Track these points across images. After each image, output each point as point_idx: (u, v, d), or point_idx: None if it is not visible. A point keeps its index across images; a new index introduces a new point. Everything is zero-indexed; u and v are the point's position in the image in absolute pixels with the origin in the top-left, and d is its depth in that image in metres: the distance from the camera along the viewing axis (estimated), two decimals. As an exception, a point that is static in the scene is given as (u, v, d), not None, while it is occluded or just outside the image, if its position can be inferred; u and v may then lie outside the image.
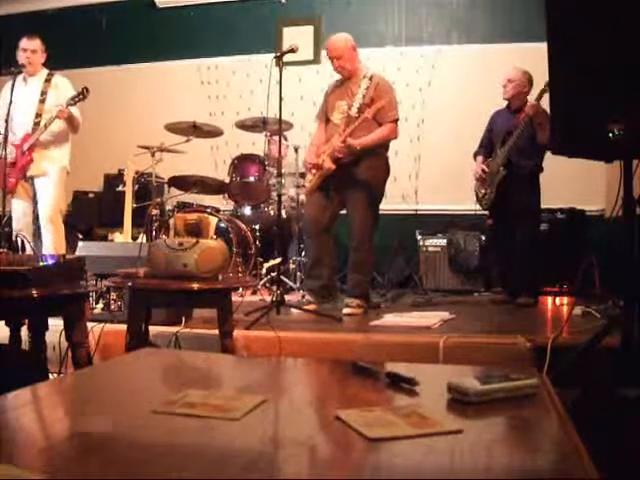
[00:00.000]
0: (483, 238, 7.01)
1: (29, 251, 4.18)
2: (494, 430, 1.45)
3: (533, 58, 5.25)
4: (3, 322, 3.38)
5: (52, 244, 5.67)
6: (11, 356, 2.65)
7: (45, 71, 5.99)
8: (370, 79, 5.34)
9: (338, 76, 5.56)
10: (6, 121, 5.71)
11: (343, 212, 5.49)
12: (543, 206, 6.02)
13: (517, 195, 5.73)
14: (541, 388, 1.66)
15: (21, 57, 5.86)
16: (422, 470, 1.16)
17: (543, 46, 3.05)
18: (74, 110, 5.82)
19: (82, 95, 5.67)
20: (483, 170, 5.93)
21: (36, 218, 5.89)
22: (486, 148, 6.09)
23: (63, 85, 5.90)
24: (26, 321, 3.55)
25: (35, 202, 5.88)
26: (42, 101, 5.82)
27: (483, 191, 5.96)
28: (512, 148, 5.74)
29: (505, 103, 6.02)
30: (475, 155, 6.15)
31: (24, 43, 5.88)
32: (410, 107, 7.74)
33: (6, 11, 9.20)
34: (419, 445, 1.26)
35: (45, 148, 5.86)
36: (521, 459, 1.26)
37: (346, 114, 5.30)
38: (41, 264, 3.16)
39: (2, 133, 5.73)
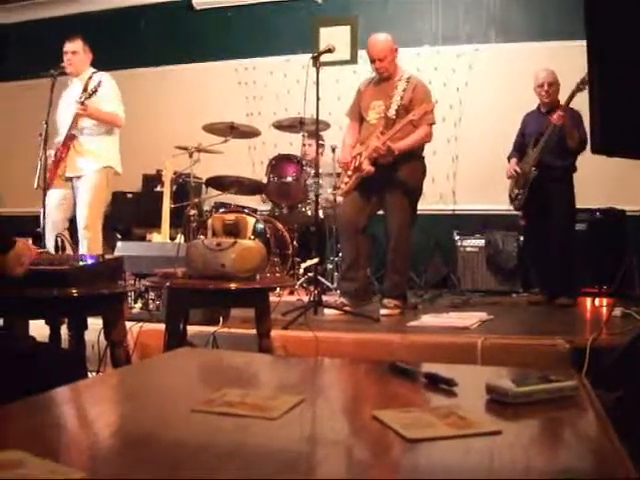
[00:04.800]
0: (521, 238, 6.96)
1: (69, 251, 4.22)
2: (533, 431, 1.44)
3: (570, 56, 5.21)
4: (43, 321, 3.41)
5: (87, 251, 5.59)
6: (51, 355, 2.67)
7: (90, 70, 5.97)
8: (408, 81, 5.31)
9: (373, 73, 5.54)
10: (46, 122, 5.75)
11: (380, 212, 5.48)
12: (581, 206, 5.97)
13: (550, 195, 5.70)
14: (580, 390, 1.64)
15: (64, 59, 5.90)
16: (461, 471, 1.15)
17: (581, 44, 3.02)
18: (108, 104, 5.81)
19: (94, 89, 5.64)
20: (515, 171, 5.90)
21: (73, 219, 5.87)
22: (519, 151, 6.06)
23: (103, 83, 5.84)
24: (66, 320, 3.59)
25: (74, 204, 5.88)
26: (80, 98, 5.80)
27: (516, 191, 5.93)
28: (544, 149, 5.71)
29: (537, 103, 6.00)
30: (509, 158, 6.12)
31: (65, 46, 5.92)
32: (447, 107, 7.71)
33: (51, 14, 9.31)
34: (457, 446, 1.25)
35: (80, 146, 5.83)
36: (560, 460, 1.26)
37: (383, 114, 5.28)
38: (81, 264, 3.19)
39: (42, 135, 5.77)
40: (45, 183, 5.70)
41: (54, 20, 9.20)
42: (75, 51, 5.91)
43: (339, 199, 6.40)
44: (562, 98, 5.68)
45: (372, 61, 5.41)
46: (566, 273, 5.74)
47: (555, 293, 5.82)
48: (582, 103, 4.41)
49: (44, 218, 5.77)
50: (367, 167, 5.22)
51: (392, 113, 5.24)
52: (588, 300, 6.11)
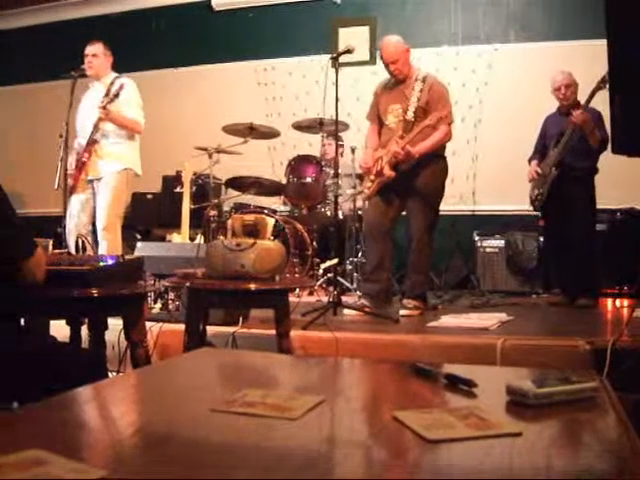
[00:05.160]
0: (541, 239, 6.92)
1: (89, 252, 4.24)
2: (553, 433, 1.43)
3: (590, 55, 5.19)
4: (64, 321, 3.43)
5: (107, 252, 5.60)
6: (71, 355, 2.69)
7: (112, 75, 6.01)
8: (423, 81, 5.29)
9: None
10: (66, 123, 5.79)
11: (402, 213, 5.48)
12: (602, 206, 5.94)
13: (571, 196, 5.68)
14: (601, 391, 1.64)
15: (84, 61, 5.94)
16: (481, 472, 1.15)
17: (601, 43, 3.00)
18: (128, 110, 5.85)
19: (116, 94, 5.68)
20: (536, 172, 5.88)
21: (94, 222, 5.90)
22: (540, 153, 6.04)
23: (125, 87, 5.87)
24: (86, 320, 3.60)
25: (95, 206, 5.90)
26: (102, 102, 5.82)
27: (536, 192, 5.92)
28: (564, 149, 5.68)
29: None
30: (530, 160, 6.10)
31: (86, 48, 5.96)
32: (467, 107, 7.69)
33: (71, 15, 9.36)
34: (477, 447, 1.25)
35: (101, 150, 5.86)
36: (580, 462, 1.25)
37: (402, 118, 5.27)
38: (101, 264, 3.20)
39: (62, 136, 5.80)
40: (66, 184, 5.73)
41: (74, 22, 9.26)
42: (95, 54, 5.95)
43: (358, 200, 6.41)
44: (582, 97, 5.65)
45: (386, 65, 5.40)
46: (587, 274, 5.71)
47: (576, 294, 5.79)
48: (603, 103, 4.39)
49: (65, 220, 5.80)
50: (388, 172, 5.21)
51: (410, 116, 5.23)
52: (609, 301, 6.08)
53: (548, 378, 1.61)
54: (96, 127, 5.79)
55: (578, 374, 1.71)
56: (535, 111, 6.33)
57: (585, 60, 5.87)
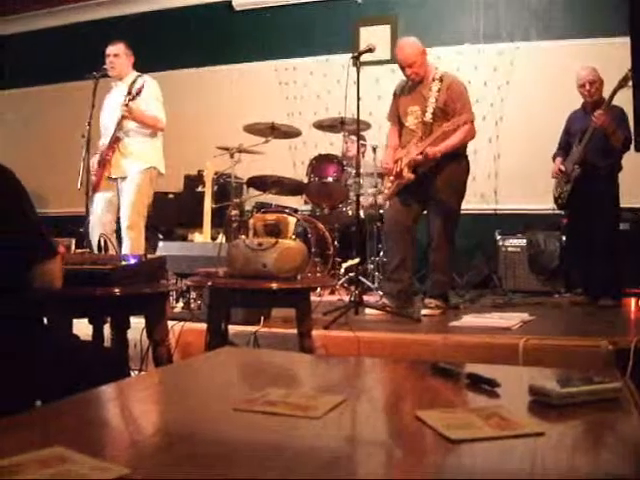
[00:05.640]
0: (563, 238, 6.88)
1: (112, 251, 4.26)
2: (576, 433, 1.43)
3: (613, 53, 5.15)
4: (86, 320, 3.45)
5: (130, 251, 5.60)
6: (94, 353, 2.70)
7: (134, 74, 6.03)
8: (441, 80, 5.25)
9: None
10: (89, 124, 5.82)
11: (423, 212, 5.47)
12: (626, 205, 5.90)
13: (594, 194, 5.64)
14: (624, 392, 1.63)
15: (106, 62, 5.97)
16: (503, 472, 1.15)
17: (624, 40, 2.98)
18: (149, 108, 5.86)
19: (138, 92, 5.70)
20: (560, 169, 5.85)
21: (118, 219, 5.92)
22: (564, 150, 6.00)
23: (146, 85, 5.86)
24: (108, 319, 3.62)
25: (119, 205, 5.93)
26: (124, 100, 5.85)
27: (559, 190, 5.89)
28: (587, 147, 5.65)
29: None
30: (554, 157, 6.07)
31: (107, 49, 5.99)
32: (488, 106, 7.65)
33: (92, 17, 9.42)
34: (500, 447, 1.25)
35: (124, 148, 5.88)
36: (603, 462, 1.24)
37: (421, 119, 5.25)
38: (123, 263, 3.22)
39: (85, 136, 5.83)
40: (88, 185, 5.76)
41: (96, 23, 9.29)
42: (117, 54, 5.98)
43: (380, 200, 6.40)
44: (606, 95, 5.61)
45: (402, 68, 5.37)
46: (610, 273, 5.67)
47: (598, 293, 5.75)
48: (628, 101, 4.36)
49: (87, 219, 5.83)
50: (407, 175, 5.20)
51: (429, 117, 5.20)
52: (632, 301, 6.03)
53: (571, 378, 1.61)
54: (119, 125, 5.81)
55: (601, 374, 1.70)
56: (557, 109, 6.30)
57: (608, 58, 5.83)
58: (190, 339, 4.25)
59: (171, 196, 8.18)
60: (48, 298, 2.52)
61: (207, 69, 8.98)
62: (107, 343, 3.58)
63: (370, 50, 5.17)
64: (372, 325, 4.68)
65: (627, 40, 2.92)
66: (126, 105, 5.71)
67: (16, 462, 1.09)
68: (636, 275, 6.20)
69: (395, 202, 5.43)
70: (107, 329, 3.62)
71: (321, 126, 7.10)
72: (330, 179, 6.75)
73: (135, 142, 5.92)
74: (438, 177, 5.22)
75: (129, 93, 5.77)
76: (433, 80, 5.26)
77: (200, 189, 6.94)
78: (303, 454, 1.24)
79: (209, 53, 8.92)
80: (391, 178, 5.34)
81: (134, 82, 5.87)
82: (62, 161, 8.18)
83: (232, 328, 4.10)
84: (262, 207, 6.82)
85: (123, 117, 5.76)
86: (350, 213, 6.79)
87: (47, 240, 2.50)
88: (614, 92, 5.41)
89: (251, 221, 3.96)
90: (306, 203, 7.34)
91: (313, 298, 3.99)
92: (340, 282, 6.22)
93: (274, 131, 6.69)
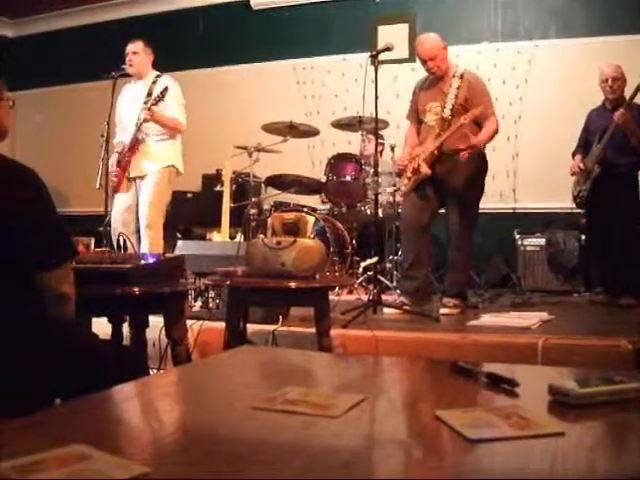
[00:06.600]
0: (583, 237, 6.85)
1: (131, 250, 4.27)
2: (596, 433, 1.42)
3: (634, 51, 5.12)
4: (105, 318, 3.46)
5: (148, 250, 5.59)
6: (113, 352, 2.72)
7: (154, 73, 6.05)
8: (461, 77, 5.24)
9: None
10: (107, 123, 5.85)
11: (441, 211, 5.45)
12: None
13: (614, 193, 5.61)
14: (645, 391, 1.62)
15: (125, 60, 5.98)
16: (523, 472, 1.14)
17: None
18: (171, 110, 5.86)
19: (161, 95, 5.72)
20: (579, 167, 5.82)
21: (137, 219, 5.93)
22: (584, 147, 5.97)
23: (169, 89, 5.82)
24: (127, 318, 3.64)
25: (138, 204, 5.94)
26: (146, 102, 5.82)
27: (579, 189, 5.86)
28: (607, 145, 5.62)
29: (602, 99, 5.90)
30: (573, 155, 6.04)
31: (127, 47, 6.00)
32: (507, 104, 7.61)
33: (110, 17, 9.46)
34: (519, 447, 1.24)
35: (144, 148, 5.90)
36: (623, 463, 1.24)
37: (440, 115, 5.24)
38: (142, 262, 3.23)
39: (104, 136, 5.85)
40: (107, 183, 5.78)
41: (116, 22, 9.33)
42: (136, 51, 5.99)
43: (398, 198, 6.39)
44: (627, 93, 5.58)
45: (423, 62, 5.36)
46: (630, 272, 5.64)
47: (618, 293, 5.72)
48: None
49: (107, 218, 5.85)
50: (425, 170, 5.19)
51: (447, 113, 5.20)
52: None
53: (591, 378, 1.60)
54: (139, 127, 5.83)
55: (621, 374, 1.68)
56: (576, 108, 6.26)
57: (628, 56, 5.79)
58: (208, 338, 4.26)
59: (189, 195, 8.21)
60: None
61: (225, 68, 8.99)
62: (126, 342, 3.60)
63: (388, 49, 5.17)
64: (390, 324, 4.68)
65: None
66: (149, 109, 5.72)
67: (36, 460, 1.09)
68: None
69: (411, 199, 5.42)
70: (126, 328, 3.64)
71: (339, 125, 7.10)
72: (348, 178, 6.74)
73: (154, 142, 5.94)
74: (455, 174, 5.21)
75: (149, 95, 5.78)
76: (453, 77, 5.26)
77: (218, 188, 6.95)
78: (322, 453, 1.24)
79: (227, 52, 8.94)
80: (408, 175, 5.33)
81: (154, 83, 5.88)
82: (81, 160, 8.24)
83: (250, 327, 4.11)
84: (280, 206, 6.81)
85: (145, 120, 5.77)
86: (368, 212, 6.78)
87: (70, 241, 2.51)
88: (637, 90, 5.37)
89: (269, 220, 3.98)
90: (324, 202, 7.34)
91: (331, 297, 3.99)
92: (358, 281, 6.22)
93: (292, 130, 6.70)
